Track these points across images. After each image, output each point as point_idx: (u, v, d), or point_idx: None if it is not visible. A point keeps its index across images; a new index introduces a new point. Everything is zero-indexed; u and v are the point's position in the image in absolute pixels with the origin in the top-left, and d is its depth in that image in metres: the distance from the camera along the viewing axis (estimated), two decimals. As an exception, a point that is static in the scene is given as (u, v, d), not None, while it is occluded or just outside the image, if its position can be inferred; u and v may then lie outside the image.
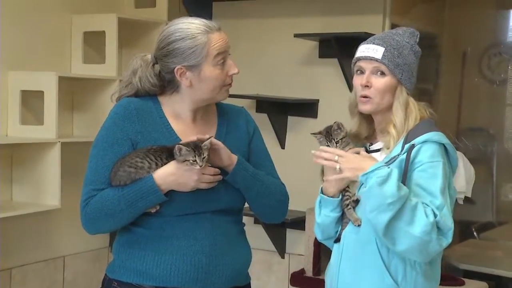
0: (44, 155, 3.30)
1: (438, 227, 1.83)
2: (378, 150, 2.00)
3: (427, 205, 1.83)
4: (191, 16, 2.03)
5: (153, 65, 2.00)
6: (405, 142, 1.91)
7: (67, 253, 3.68)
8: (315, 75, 3.78)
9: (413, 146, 1.88)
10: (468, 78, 4.84)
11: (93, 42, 3.67)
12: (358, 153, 1.95)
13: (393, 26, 3.61)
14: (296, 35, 3.65)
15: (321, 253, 3.38)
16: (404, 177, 1.87)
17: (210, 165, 1.91)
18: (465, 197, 3.51)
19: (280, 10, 3.88)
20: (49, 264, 3.58)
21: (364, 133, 2.05)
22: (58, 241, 3.62)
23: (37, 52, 3.48)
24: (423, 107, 2.01)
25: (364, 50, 1.97)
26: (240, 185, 1.99)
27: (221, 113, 2.10)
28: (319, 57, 3.76)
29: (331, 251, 2.09)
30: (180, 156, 1.87)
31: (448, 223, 1.83)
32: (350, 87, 3.56)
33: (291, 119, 3.87)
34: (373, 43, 1.96)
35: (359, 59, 1.98)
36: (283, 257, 3.89)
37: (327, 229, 2.04)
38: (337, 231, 2.03)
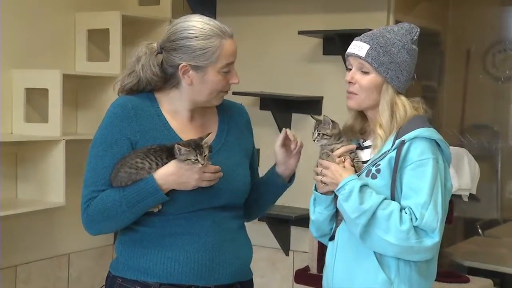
0: (48, 153, 3.31)
1: (421, 229, 1.84)
2: (369, 147, 2.01)
3: (407, 211, 1.85)
4: (205, 15, 1.98)
5: (157, 54, 1.98)
6: (396, 138, 1.91)
7: (72, 250, 3.69)
8: (319, 72, 3.78)
9: (403, 142, 1.88)
10: (473, 75, 4.84)
11: (97, 39, 3.68)
12: (353, 151, 1.99)
13: (396, 23, 3.61)
14: (300, 32, 3.65)
15: (325, 251, 3.38)
16: (395, 174, 1.88)
17: (210, 162, 1.90)
18: (470, 194, 3.51)
19: (284, 7, 3.88)
20: (53, 261, 3.59)
21: (358, 127, 2.06)
22: (63, 238, 3.63)
23: (41, 50, 3.48)
24: (418, 103, 2.00)
25: (352, 46, 1.98)
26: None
27: (221, 110, 2.09)
28: (323, 54, 3.76)
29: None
30: (181, 155, 1.85)
31: (433, 223, 1.84)
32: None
33: (295, 116, 3.87)
34: (361, 40, 1.96)
35: (347, 55, 1.99)
36: (287, 254, 3.89)
37: (321, 226, 2.06)
38: (332, 228, 2.05)
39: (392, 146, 1.90)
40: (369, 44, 1.94)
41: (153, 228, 1.94)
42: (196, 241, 1.92)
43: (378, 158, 1.92)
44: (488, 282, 3.59)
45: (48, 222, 3.54)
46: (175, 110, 1.99)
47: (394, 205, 1.86)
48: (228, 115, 2.09)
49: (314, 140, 2.03)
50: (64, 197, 3.29)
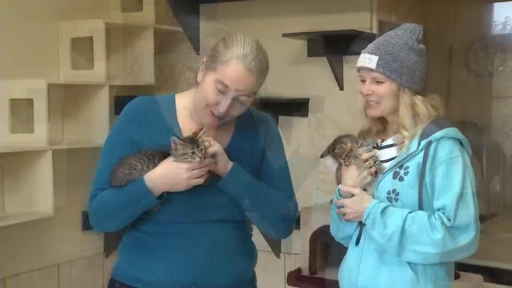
0: (35, 163, 3.28)
1: (456, 228, 1.87)
2: (390, 146, 2.03)
3: (436, 216, 1.88)
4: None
5: None
6: (421, 139, 1.94)
7: (61, 260, 3.66)
8: (320, 73, 3.74)
9: (430, 142, 1.91)
10: (455, 73, 4.87)
11: (81, 48, 3.65)
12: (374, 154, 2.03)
13: (380, 23, 3.63)
14: (301, 33, 3.64)
15: (317, 252, 3.38)
16: (423, 175, 1.91)
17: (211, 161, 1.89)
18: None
19: (285, 8, 3.83)
20: (43, 272, 3.56)
21: (375, 129, 2.10)
22: (52, 249, 3.60)
23: (25, 60, 3.45)
24: (436, 101, 2.03)
25: (361, 60, 2.01)
26: (232, 194, 1.94)
27: (241, 118, 2.01)
28: (325, 54, 3.74)
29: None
30: (178, 151, 1.85)
31: (466, 219, 1.88)
32: (340, 85, 3.58)
33: (282, 119, 3.85)
34: (368, 52, 2.00)
35: (358, 69, 2.03)
36: (278, 256, 3.88)
37: (342, 228, 2.08)
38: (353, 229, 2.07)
39: (418, 146, 1.92)
40: (377, 55, 1.97)
41: (153, 228, 1.94)
42: (197, 241, 1.92)
43: (403, 159, 1.94)
44: (479, 278, 3.61)
45: (37, 233, 3.51)
46: (189, 112, 1.98)
47: (420, 217, 1.89)
48: (247, 125, 2.03)
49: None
50: (53, 207, 3.27)
